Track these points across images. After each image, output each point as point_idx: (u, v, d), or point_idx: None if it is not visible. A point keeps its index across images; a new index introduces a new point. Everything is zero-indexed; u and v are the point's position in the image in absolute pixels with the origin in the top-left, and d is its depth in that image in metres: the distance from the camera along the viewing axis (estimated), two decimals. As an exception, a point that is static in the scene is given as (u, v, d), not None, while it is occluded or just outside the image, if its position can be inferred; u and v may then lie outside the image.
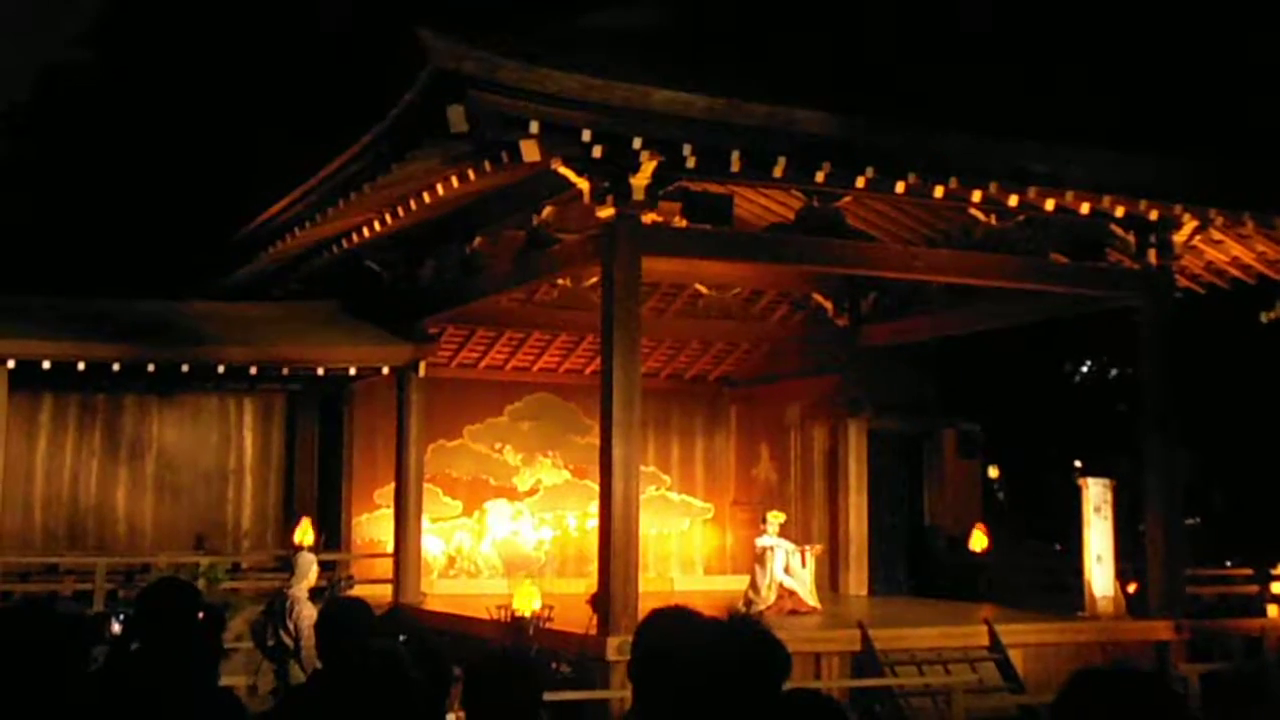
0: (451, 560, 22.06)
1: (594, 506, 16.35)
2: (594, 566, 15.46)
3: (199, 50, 26.73)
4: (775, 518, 17.97)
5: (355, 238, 17.84)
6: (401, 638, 6.45)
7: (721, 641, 3.73)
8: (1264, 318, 19.20)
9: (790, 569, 17.57)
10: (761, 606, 17.05)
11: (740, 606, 16.64)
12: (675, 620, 4.06)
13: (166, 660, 4.65)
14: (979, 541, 20.84)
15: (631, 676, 4.09)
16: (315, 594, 12.23)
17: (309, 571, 12.21)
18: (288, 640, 11.63)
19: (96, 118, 27.16)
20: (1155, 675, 3.36)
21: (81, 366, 18.52)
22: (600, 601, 14.14)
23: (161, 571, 16.55)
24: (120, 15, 28.99)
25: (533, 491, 22.87)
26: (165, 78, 27.02)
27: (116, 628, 8.37)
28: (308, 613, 11.23)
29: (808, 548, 18.07)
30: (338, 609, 6.31)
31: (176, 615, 4.87)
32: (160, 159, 26.15)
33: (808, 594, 17.53)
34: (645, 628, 4.12)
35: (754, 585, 17.58)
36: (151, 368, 18.91)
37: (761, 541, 17.73)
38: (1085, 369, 29.64)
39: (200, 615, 5.07)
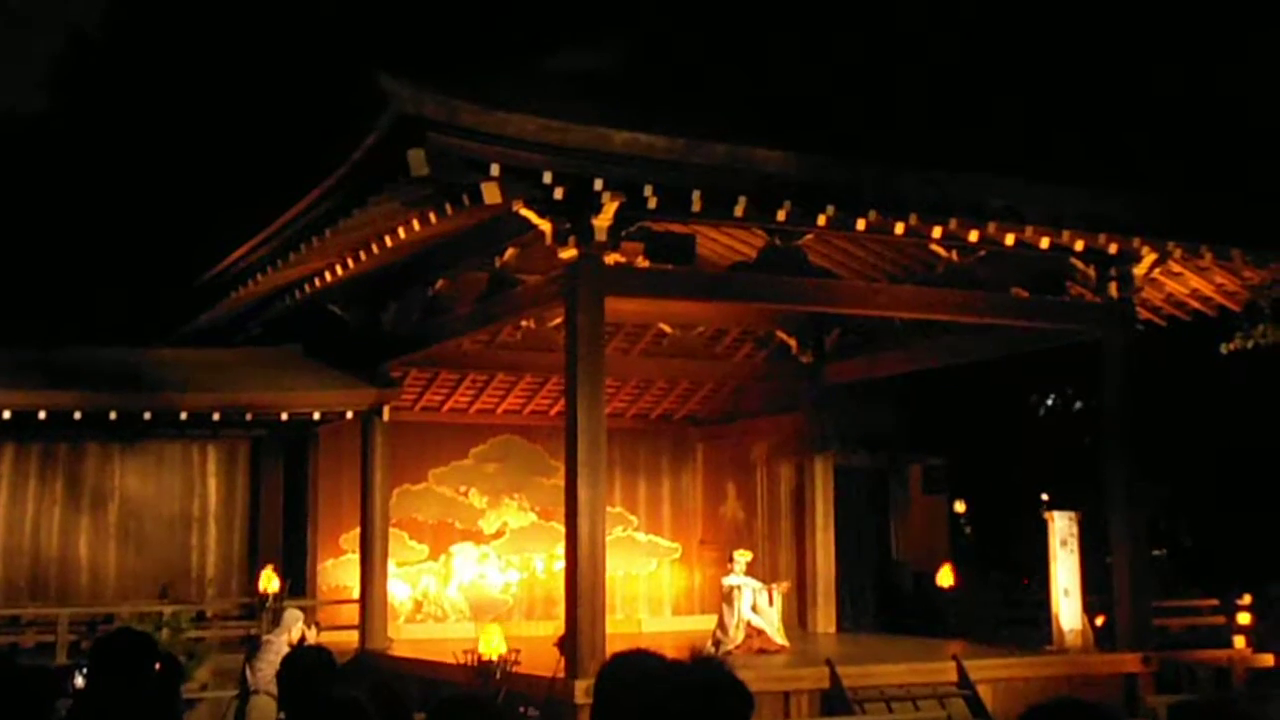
0: (418, 605, 21.94)
1: (560, 548, 16.29)
2: (561, 609, 15.39)
3: (157, 94, 26.66)
4: (742, 556, 17.96)
5: (318, 282, 17.78)
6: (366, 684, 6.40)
7: (683, 684, 3.70)
8: (1224, 349, 19.30)
9: (758, 607, 17.55)
10: (730, 646, 17.00)
11: (708, 646, 16.56)
12: (636, 664, 4.04)
13: (122, 712, 4.60)
14: (946, 578, 20.85)
15: (594, 721, 4.07)
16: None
17: (291, 626, 12.21)
18: (251, 681, 11.69)
19: (53, 165, 27.00)
20: (1103, 707, 3.37)
21: (43, 415, 18.37)
22: (567, 644, 14.08)
23: (125, 622, 16.35)
24: (75, 61, 28.90)
25: (499, 534, 22.77)
26: (123, 123, 26.91)
27: (80, 681, 8.28)
28: (271, 658, 11.21)
29: (775, 586, 18.06)
30: (300, 657, 6.26)
31: (131, 666, 4.82)
32: (120, 206, 26.02)
33: (775, 632, 17.50)
34: (606, 672, 4.11)
35: (722, 624, 17.55)
36: (113, 416, 18.78)
37: (728, 580, 17.71)
38: (1050, 402, 29.72)
39: (156, 665, 5.02)
